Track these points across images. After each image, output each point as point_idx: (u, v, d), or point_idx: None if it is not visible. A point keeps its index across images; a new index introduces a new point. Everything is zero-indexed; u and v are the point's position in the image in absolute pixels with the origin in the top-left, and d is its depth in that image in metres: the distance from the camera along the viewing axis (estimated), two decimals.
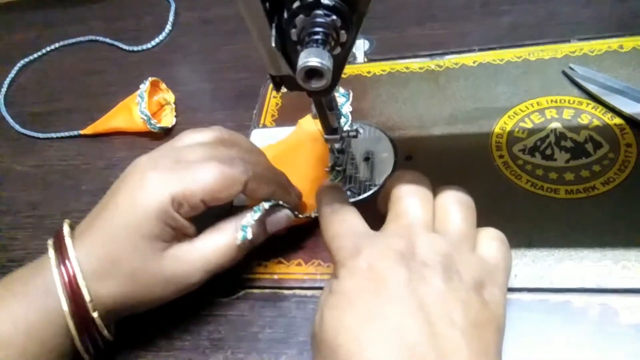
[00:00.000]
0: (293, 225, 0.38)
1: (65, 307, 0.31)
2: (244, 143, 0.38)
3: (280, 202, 0.36)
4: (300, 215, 0.38)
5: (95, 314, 0.32)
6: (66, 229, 0.34)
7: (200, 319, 0.37)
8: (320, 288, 0.37)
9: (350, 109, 0.46)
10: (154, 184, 0.32)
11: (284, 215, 0.37)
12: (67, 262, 0.32)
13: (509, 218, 0.37)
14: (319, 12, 0.25)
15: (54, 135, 0.54)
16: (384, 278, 0.27)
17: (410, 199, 0.31)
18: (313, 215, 0.39)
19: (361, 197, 0.41)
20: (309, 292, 0.37)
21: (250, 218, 0.34)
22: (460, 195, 0.31)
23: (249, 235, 0.34)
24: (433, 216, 0.31)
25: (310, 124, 0.44)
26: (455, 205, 0.31)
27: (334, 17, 0.26)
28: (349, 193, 0.41)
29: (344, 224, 0.31)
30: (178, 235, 0.33)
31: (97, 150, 0.51)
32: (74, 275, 0.31)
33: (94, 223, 0.33)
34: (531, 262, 0.34)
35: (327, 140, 0.38)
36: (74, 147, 0.52)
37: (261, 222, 0.35)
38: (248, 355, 0.35)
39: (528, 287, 0.33)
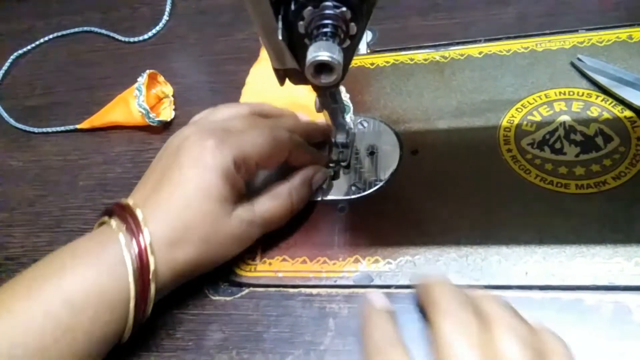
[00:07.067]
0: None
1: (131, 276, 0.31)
2: (276, 112, 0.41)
3: None
4: None
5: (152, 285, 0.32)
6: (131, 201, 0.34)
7: (204, 318, 0.36)
8: (326, 286, 0.36)
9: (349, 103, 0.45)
10: (216, 149, 0.34)
11: (322, 173, 0.40)
12: (139, 235, 0.32)
13: (518, 214, 0.36)
14: (328, 3, 0.24)
15: (49, 129, 0.52)
16: None
17: (457, 345, 0.27)
18: None
19: (366, 192, 0.40)
20: (314, 291, 0.36)
21: None
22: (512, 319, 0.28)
23: None
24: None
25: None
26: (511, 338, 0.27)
27: (344, 8, 0.25)
28: (353, 189, 0.41)
29: None
30: (239, 197, 0.35)
31: (94, 145, 0.50)
32: (145, 247, 0.32)
33: (161, 194, 0.34)
34: (542, 259, 0.34)
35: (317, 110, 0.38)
36: (70, 141, 0.51)
37: (307, 182, 0.39)
38: (253, 355, 0.34)
39: (539, 284, 0.33)
